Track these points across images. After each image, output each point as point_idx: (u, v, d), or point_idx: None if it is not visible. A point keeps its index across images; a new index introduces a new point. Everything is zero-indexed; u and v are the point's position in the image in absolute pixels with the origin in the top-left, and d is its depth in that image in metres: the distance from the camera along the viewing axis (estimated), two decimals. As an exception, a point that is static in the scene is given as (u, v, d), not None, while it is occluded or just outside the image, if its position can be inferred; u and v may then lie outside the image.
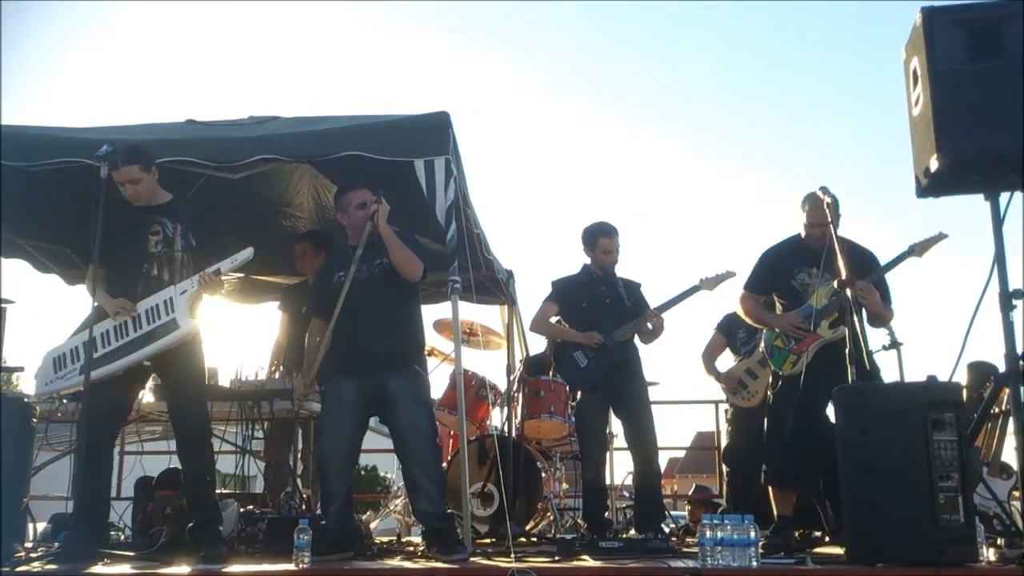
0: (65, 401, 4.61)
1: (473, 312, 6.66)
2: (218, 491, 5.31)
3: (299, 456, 5.61)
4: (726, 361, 6.07)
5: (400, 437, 4.21)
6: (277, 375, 5.20)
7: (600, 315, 5.21)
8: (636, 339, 5.25)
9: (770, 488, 4.49)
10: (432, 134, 4.37)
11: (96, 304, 4.11)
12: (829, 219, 4.21)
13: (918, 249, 4.42)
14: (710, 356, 6.10)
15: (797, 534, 4.59)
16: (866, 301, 4.25)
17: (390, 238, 4.21)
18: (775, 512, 4.45)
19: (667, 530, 5.38)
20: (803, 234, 4.57)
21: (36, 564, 3.76)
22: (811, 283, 4.51)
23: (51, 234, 5.56)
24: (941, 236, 4.39)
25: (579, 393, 5.31)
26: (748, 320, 4.87)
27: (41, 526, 5.25)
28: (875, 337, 4.67)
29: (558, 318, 5.40)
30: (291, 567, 3.62)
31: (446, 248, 4.36)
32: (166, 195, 4.30)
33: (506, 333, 6.65)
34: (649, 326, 5.18)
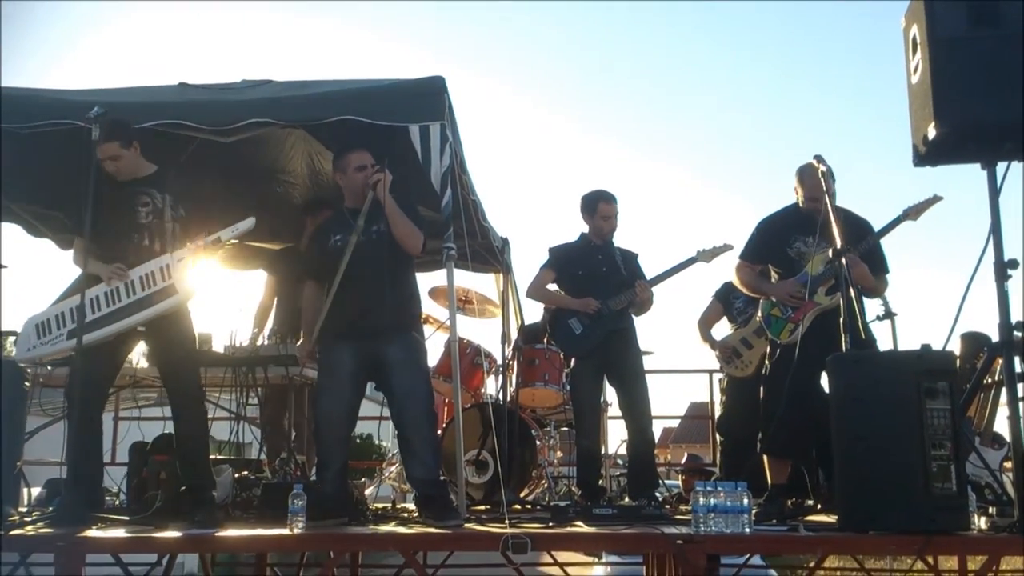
0: (50, 368, 4.60)
1: (468, 280, 6.66)
2: (213, 457, 5.32)
3: (293, 422, 5.60)
4: (722, 329, 6.07)
5: (397, 403, 4.20)
6: (261, 340, 5.19)
7: (596, 283, 5.20)
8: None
9: (765, 456, 4.51)
10: (427, 99, 4.31)
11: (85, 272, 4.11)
12: (825, 189, 4.19)
13: (912, 212, 4.40)
14: (706, 324, 6.09)
15: (789, 503, 4.62)
16: (854, 275, 4.24)
17: (393, 210, 4.18)
18: (769, 480, 4.47)
19: (660, 498, 5.41)
20: (800, 205, 4.56)
21: (31, 528, 3.77)
22: (807, 251, 4.49)
23: (43, 198, 5.51)
24: (936, 198, 4.36)
25: (573, 361, 5.31)
26: (744, 290, 4.85)
27: (36, 491, 5.26)
28: (870, 307, 4.68)
29: (554, 285, 5.39)
30: (286, 532, 3.64)
31: (441, 215, 4.33)
32: (151, 167, 4.29)
33: (501, 301, 6.64)
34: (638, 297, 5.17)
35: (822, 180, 4.22)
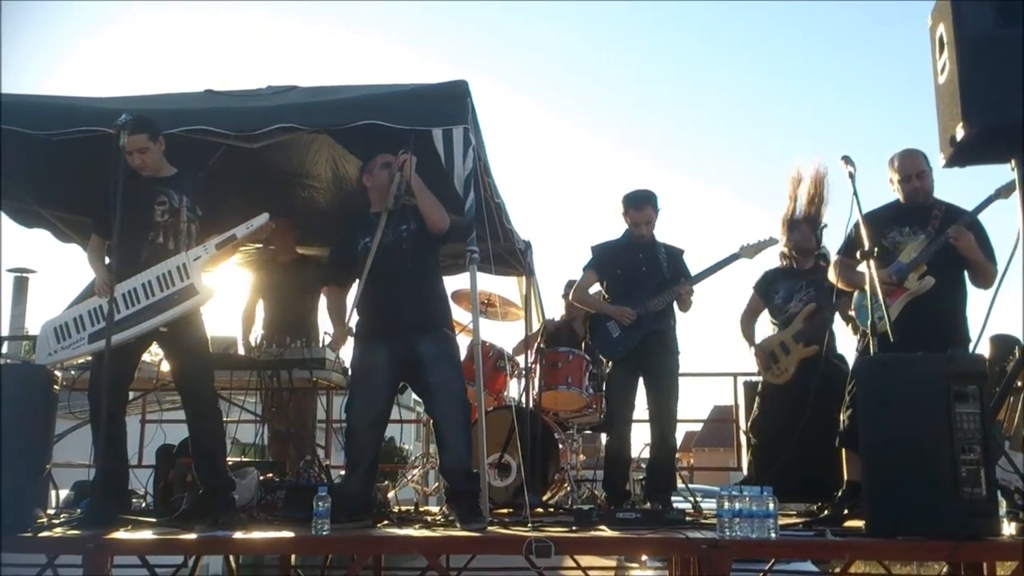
0: (74, 372, 4.65)
1: (491, 283, 6.65)
2: (238, 459, 5.35)
3: (316, 425, 5.62)
4: (764, 324, 5.63)
5: (431, 395, 4.22)
6: (255, 341, 5.22)
7: (635, 283, 5.16)
8: (675, 307, 5.19)
9: (843, 451, 4.45)
10: (450, 103, 4.32)
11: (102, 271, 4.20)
12: (925, 167, 4.34)
13: (1004, 191, 4.21)
14: (749, 318, 5.62)
15: (815, 507, 4.56)
16: (960, 246, 4.19)
17: (420, 187, 4.23)
18: (845, 477, 4.42)
19: (675, 503, 5.28)
20: (899, 193, 4.50)
21: (59, 530, 3.80)
22: (902, 241, 4.43)
23: (71, 203, 5.58)
24: None
25: (610, 362, 5.28)
26: (840, 284, 4.71)
27: (64, 493, 5.31)
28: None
29: (598, 285, 5.35)
30: (310, 534, 3.65)
31: (464, 218, 4.34)
32: (171, 168, 4.35)
33: (523, 304, 6.63)
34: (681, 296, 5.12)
35: (918, 159, 4.34)
